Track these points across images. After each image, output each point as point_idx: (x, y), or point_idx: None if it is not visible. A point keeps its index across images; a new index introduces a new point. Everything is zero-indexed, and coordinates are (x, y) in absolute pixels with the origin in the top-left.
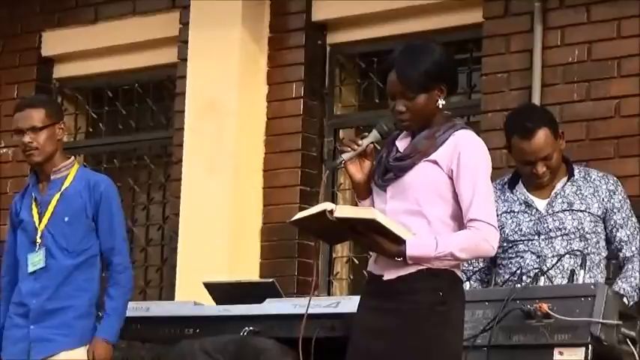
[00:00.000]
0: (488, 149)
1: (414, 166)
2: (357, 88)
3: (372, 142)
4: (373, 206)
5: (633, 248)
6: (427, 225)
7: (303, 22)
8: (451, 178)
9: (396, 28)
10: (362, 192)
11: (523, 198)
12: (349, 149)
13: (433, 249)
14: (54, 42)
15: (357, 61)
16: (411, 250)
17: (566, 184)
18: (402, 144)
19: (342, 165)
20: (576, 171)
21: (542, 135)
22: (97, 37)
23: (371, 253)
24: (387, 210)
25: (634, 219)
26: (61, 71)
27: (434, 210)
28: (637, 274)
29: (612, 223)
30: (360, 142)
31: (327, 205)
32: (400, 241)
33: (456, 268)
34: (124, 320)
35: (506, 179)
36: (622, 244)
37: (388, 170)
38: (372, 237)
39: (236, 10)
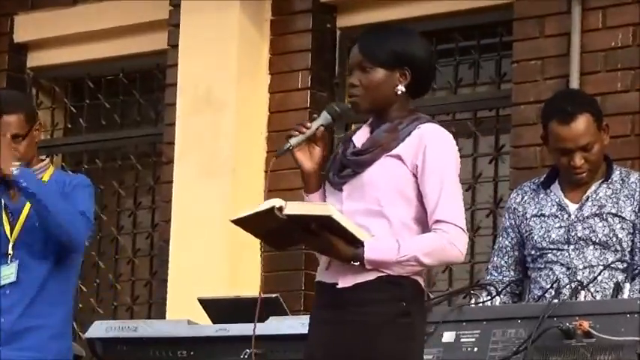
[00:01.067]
0: (520, 146)
1: (374, 162)
2: None
3: (322, 125)
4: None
5: None
6: (388, 227)
7: (309, 4)
8: (415, 176)
9: (415, 10)
10: (311, 184)
11: (557, 200)
12: (297, 133)
13: (395, 253)
14: (28, 26)
15: None
16: (369, 254)
17: (600, 186)
18: (359, 139)
19: (290, 151)
20: (616, 172)
21: (583, 121)
22: (76, 21)
23: (321, 259)
24: (343, 211)
25: None
26: (35, 59)
27: (395, 210)
28: None
29: (636, 226)
30: (308, 124)
31: (275, 202)
32: (357, 244)
33: (418, 276)
34: (35, 195)
35: (542, 179)
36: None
37: (345, 166)
38: (327, 238)
39: None
